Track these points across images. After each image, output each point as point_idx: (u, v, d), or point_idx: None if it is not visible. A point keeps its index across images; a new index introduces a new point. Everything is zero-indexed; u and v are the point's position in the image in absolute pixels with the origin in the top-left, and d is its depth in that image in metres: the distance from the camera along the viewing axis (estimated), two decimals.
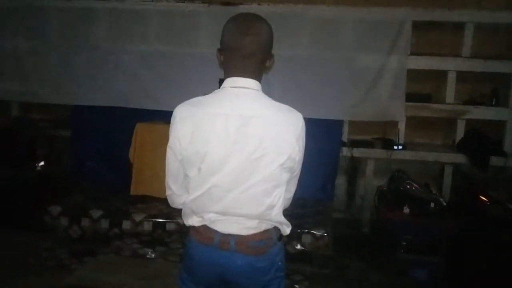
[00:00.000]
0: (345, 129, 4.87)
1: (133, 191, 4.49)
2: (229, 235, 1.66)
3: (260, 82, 1.68)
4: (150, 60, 4.90)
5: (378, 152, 4.73)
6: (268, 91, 1.70)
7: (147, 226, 4.08)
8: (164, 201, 1.89)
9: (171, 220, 4.04)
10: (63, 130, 5.16)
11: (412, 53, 4.62)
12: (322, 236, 3.88)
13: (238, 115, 1.59)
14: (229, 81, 1.65)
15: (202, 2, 4.81)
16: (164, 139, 1.72)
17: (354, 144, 4.79)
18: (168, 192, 1.79)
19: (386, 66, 4.61)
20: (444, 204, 4.01)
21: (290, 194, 1.79)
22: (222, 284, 1.72)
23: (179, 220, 3.85)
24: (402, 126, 4.75)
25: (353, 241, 4.46)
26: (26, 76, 5.12)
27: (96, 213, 4.12)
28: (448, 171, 4.73)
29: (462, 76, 4.67)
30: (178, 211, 1.80)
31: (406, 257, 3.82)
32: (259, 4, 4.64)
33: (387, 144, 4.71)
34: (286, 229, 1.75)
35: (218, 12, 4.64)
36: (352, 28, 4.64)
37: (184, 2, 4.85)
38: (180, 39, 4.85)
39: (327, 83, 4.65)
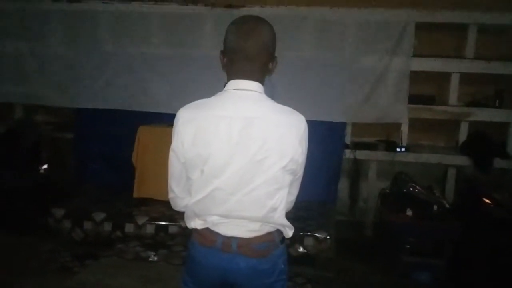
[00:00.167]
0: (348, 131, 4.86)
1: (136, 193, 4.49)
2: (231, 237, 1.66)
3: (263, 84, 1.68)
4: (153, 62, 4.90)
5: (381, 155, 4.73)
6: (271, 93, 1.70)
7: (150, 229, 4.08)
8: (167, 204, 1.89)
9: (173, 223, 4.04)
10: (66, 133, 5.17)
11: (415, 55, 4.61)
12: (325, 238, 3.87)
13: (241, 117, 1.59)
14: (232, 84, 1.65)
15: (205, 5, 4.81)
16: (166, 142, 1.72)
17: (357, 146, 4.79)
18: (170, 195, 1.78)
19: (389, 68, 4.61)
20: (448, 206, 4.01)
21: (293, 197, 1.78)
22: (225, 287, 1.71)
23: (181, 223, 3.84)
24: (405, 128, 4.74)
25: (356, 244, 4.45)
26: (30, 78, 5.13)
27: (99, 216, 4.13)
28: (451, 173, 4.72)
29: (465, 78, 4.66)
30: (181, 214, 1.79)
31: (409, 259, 3.81)
32: (261, 7, 4.63)
33: (390, 146, 4.70)
34: (289, 232, 1.75)
35: (221, 14, 4.65)
36: (355, 29, 4.63)
37: (187, 4, 4.86)
38: (183, 41, 4.85)
39: (330, 85, 4.65)
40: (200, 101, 1.67)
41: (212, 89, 1.75)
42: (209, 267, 1.69)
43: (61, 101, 5.09)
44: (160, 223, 4.09)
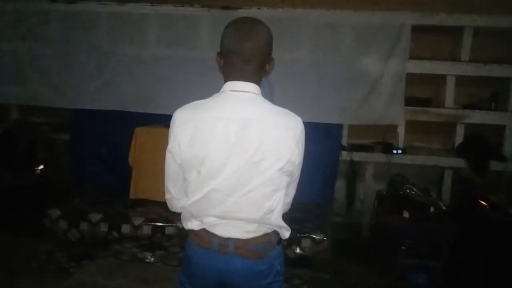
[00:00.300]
0: (345, 133, 4.87)
1: (133, 194, 4.48)
2: (228, 238, 1.66)
3: (259, 85, 1.68)
4: (150, 63, 4.91)
5: (378, 156, 4.74)
6: (269, 94, 1.70)
7: (146, 230, 4.08)
8: (163, 205, 1.88)
9: (170, 224, 4.04)
10: (62, 134, 5.17)
11: (411, 57, 4.63)
12: (322, 240, 3.87)
13: (238, 119, 1.59)
14: (229, 85, 1.65)
15: (202, 6, 4.82)
16: (163, 143, 1.72)
17: (353, 148, 4.80)
18: (167, 196, 1.78)
19: (386, 70, 4.62)
20: (444, 208, 4.02)
21: (290, 198, 1.78)
22: None
23: (178, 224, 3.84)
24: (401, 130, 4.76)
25: (352, 246, 4.45)
26: (26, 79, 5.12)
27: (95, 217, 4.12)
28: (447, 175, 4.73)
29: (461, 80, 4.68)
30: (177, 215, 1.79)
31: (406, 261, 3.81)
32: (258, 8, 4.64)
33: (387, 148, 4.71)
34: (286, 233, 1.75)
35: (218, 16, 4.66)
36: (352, 32, 4.65)
37: (184, 6, 4.86)
38: (180, 42, 4.86)
39: (326, 87, 4.66)
40: (196, 102, 1.67)
41: (209, 90, 1.76)
42: (206, 268, 1.69)
43: (59, 102, 5.08)
44: (157, 224, 4.08)
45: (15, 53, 5.10)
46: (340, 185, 4.94)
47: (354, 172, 4.93)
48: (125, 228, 4.08)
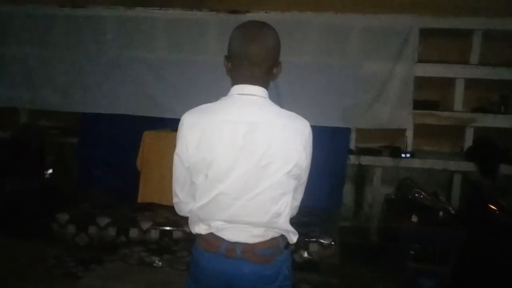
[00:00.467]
0: (353, 136, 4.86)
1: (141, 198, 4.48)
2: (236, 243, 1.66)
3: (267, 89, 1.68)
4: (157, 67, 4.92)
5: (386, 160, 4.72)
6: (276, 98, 1.70)
7: (154, 234, 4.07)
8: (171, 209, 1.88)
9: (178, 228, 4.03)
10: (71, 138, 5.18)
11: (419, 61, 4.61)
12: (330, 244, 3.85)
13: (245, 122, 1.59)
14: (236, 88, 1.65)
15: (210, 10, 4.83)
16: (171, 146, 1.72)
17: (361, 152, 4.78)
18: (175, 200, 1.78)
19: (394, 73, 4.61)
20: (453, 212, 3.98)
21: (297, 202, 1.78)
22: None
23: (186, 228, 3.83)
24: (410, 134, 4.74)
25: (360, 250, 4.43)
26: (35, 83, 5.16)
27: (103, 221, 4.12)
28: (456, 179, 4.70)
29: (470, 84, 4.65)
30: (185, 219, 1.79)
31: (414, 266, 3.78)
32: (266, 12, 4.64)
33: (395, 152, 4.69)
34: (293, 238, 1.74)
35: (226, 20, 4.66)
36: (359, 35, 4.64)
37: (192, 10, 4.87)
38: (187, 46, 4.87)
39: (334, 90, 4.65)
40: (204, 105, 1.67)
41: (216, 94, 1.76)
42: (213, 273, 1.69)
43: (66, 106, 5.11)
44: (165, 228, 4.08)
45: (24, 57, 5.14)
46: (348, 189, 4.91)
47: (362, 176, 4.90)
48: (133, 232, 4.08)
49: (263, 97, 1.65)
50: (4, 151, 4.84)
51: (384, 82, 4.62)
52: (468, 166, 4.58)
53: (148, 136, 4.50)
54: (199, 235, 1.72)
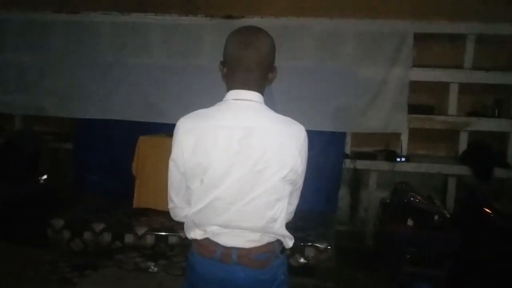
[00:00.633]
0: (348, 141, 4.87)
1: (136, 204, 4.48)
2: (231, 248, 1.65)
3: (262, 94, 1.68)
4: (153, 73, 4.92)
5: (381, 164, 4.73)
6: (270, 103, 1.70)
7: (150, 240, 4.07)
8: (167, 214, 1.88)
9: (173, 234, 4.03)
10: (65, 143, 5.17)
11: (414, 65, 4.64)
12: (326, 249, 3.85)
13: (241, 127, 1.59)
14: (232, 94, 1.66)
15: (205, 16, 4.84)
16: (166, 152, 1.72)
17: (357, 156, 4.79)
18: (170, 205, 1.78)
19: (389, 78, 4.63)
20: (448, 216, 3.99)
21: (293, 207, 1.78)
22: None
23: (181, 234, 3.83)
24: (405, 138, 4.75)
25: (356, 254, 4.44)
26: (30, 89, 5.16)
27: (99, 226, 4.11)
28: (451, 183, 4.71)
29: (464, 88, 4.68)
30: (181, 225, 1.79)
31: (410, 269, 3.79)
32: (261, 17, 4.66)
33: (390, 156, 4.70)
34: (289, 242, 1.74)
35: (221, 25, 4.68)
36: (354, 40, 4.66)
37: (187, 15, 4.88)
38: (183, 52, 4.88)
39: (329, 95, 4.66)
40: (200, 111, 1.68)
41: (211, 99, 1.76)
42: (209, 278, 1.68)
43: (62, 111, 5.11)
44: (160, 233, 4.07)
45: (19, 63, 5.14)
46: (343, 193, 4.92)
47: (357, 180, 4.91)
48: (128, 238, 4.07)
49: (258, 102, 1.65)
50: None
51: (379, 86, 4.64)
52: (463, 170, 4.59)
53: (143, 141, 4.49)
54: (195, 240, 1.72)
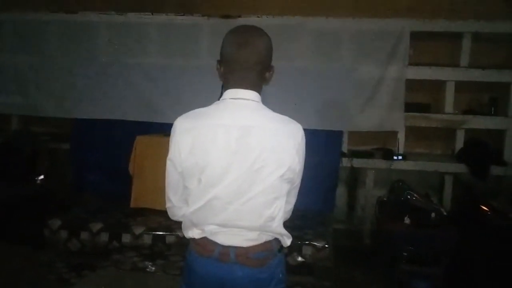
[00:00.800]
0: (345, 139, 4.87)
1: (133, 203, 4.48)
2: (229, 247, 1.66)
3: (260, 93, 1.68)
4: (150, 72, 4.92)
5: (378, 163, 4.74)
6: (268, 102, 1.71)
7: (147, 239, 4.06)
8: (164, 213, 1.88)
9: (171, 233, 4.03)
10: (63, 143, 5.16)
11: (410, 64, 4.65)
12: (323, 247, 3.86)
13: (238, 126, 1.60)
14: (229, 93, 1.66)
15: (202, 15, 4.84)
16: (164, 151, 1.72)
17: (354, 154, 4.80)
18: (168, 205, 1.78)
19: (385, 76, 4.64)
20: (445, 214, 4.00)
21: (291, 206, 1.78)
22: None
23: (179, 233, 3.83)
24: (401, 136, 4.76)
25: (354, 252, 4.44)
26: (27, 89, 5.14)
27: (96, 226, 4.11)
28: (448, 180, 4.73)
29: (460, 86, 4.69)
30: (178, 224, 1.79)
31: (407, 267, 3.79)
32: (258, 16, 4.66)
33: (387, 155, 4.71)
34: (287, 241, 1.74)
35: (218, 24, 4.67)
36: (351, 39, 4.67)
37: (184, 15, 4.88)
38: (180, 51, 4.88)
39: (326, 94, 4.67)
40: (197, 110, 1.68)
41: (209, 98, 1.76)
42: (207, 277, 1.69)
43: (59, 111, 5.10)
44: (158, 233, 4.07)
45: (16, 63, 5.13)
46: (340, 191, 4.93)
47: (354, 179, 4.93)
48: (126, 238, 4.07)
49: (255, 101, 1.66)
50: None
51: (376, 85, 4.65)
52: (460, 168, 4.61)
53: (141, 141, 4.49)
54: (193, 240, 1.72)
